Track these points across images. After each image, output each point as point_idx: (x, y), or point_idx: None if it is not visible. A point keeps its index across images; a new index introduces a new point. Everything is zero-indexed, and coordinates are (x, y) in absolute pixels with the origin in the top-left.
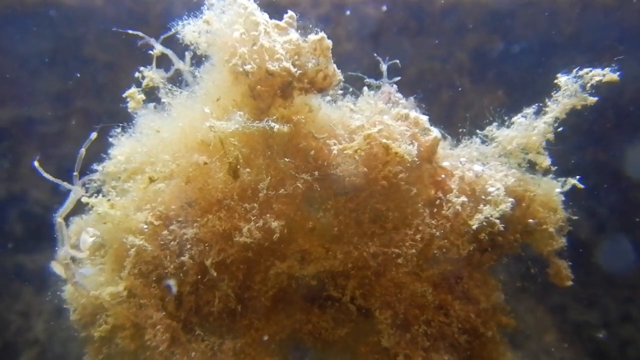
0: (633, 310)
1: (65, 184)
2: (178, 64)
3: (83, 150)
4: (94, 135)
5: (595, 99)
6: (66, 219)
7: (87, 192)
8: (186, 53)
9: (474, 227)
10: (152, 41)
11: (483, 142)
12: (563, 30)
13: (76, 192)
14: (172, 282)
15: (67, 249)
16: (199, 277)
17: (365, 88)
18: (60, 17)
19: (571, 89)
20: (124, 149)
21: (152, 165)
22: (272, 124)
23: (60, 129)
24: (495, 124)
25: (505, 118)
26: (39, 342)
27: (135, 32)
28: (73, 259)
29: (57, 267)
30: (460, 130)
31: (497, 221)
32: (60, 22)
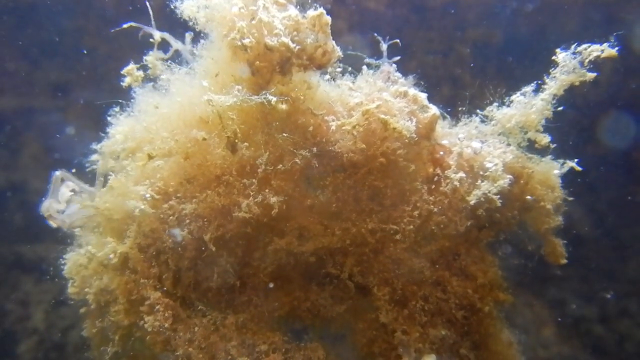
0: (631, 305)
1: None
2: (176, 45)
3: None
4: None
5: (594, 74)
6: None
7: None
8: (187, 34)
9: (472, 202)
10: (152, 30)
11: (482, 121)
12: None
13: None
14: (177, 231)
15: (47, 203)
16: (198, 252)
17: (364, 67)
18: (61, 7)
19: (569, 65)
20: (122, 127)
21: (151, 143)
22: (270, 97)
23: (60, 120)
24: (495, 104)
25: (506, 99)
26: (38, 331)
27: (136, 25)
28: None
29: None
30: (460, 109)
31: (495, 197)
32: (60, 12)
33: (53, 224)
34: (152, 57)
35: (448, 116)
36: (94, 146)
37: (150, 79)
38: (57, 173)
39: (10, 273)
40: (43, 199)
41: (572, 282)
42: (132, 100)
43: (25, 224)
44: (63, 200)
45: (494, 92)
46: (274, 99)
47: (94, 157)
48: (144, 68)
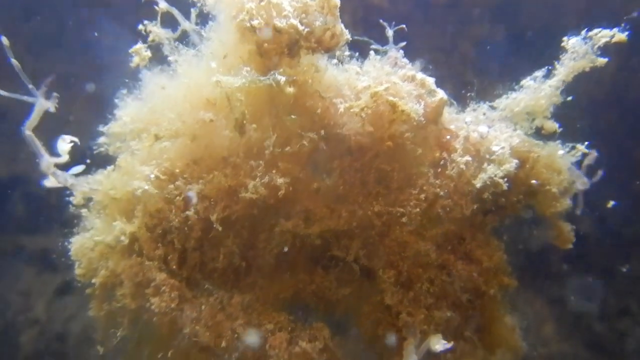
0: (632, 303)
1: (28, 98)
2: (184, 24)
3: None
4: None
5: (605, 59)
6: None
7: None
8: (192, 10)
9: (478, 185)
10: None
11: (491, 108)
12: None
13: (40, 103)
14: (192, 194)
15: (48, 158)
16: (204, 233)
17: (372, 52)
18: None
19: (579, 51)
20: (129, 109)
21: (158, 125)
22: (279, 77)
23: (63, 112)
24: (504, 96)
25: (515, 86)
26: (40, 322)
27: None
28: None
29: (48, 182)
30: (469, 94)
31: (501, 181)
32: (65, 3)
33: (55, 182)
34: (156, 29)
35: (455, 102)
36: (101, 128)
37: (157, 61)
38: (26, 131)
39: (12, 264)
40: (37, 160)
41: (573, 280)
42: (139, 84)
43: (26, 216)
44: (64, 153)
45: (499, 88)
46: (282, 79)
47: (101, 139)
48: (152, 49)
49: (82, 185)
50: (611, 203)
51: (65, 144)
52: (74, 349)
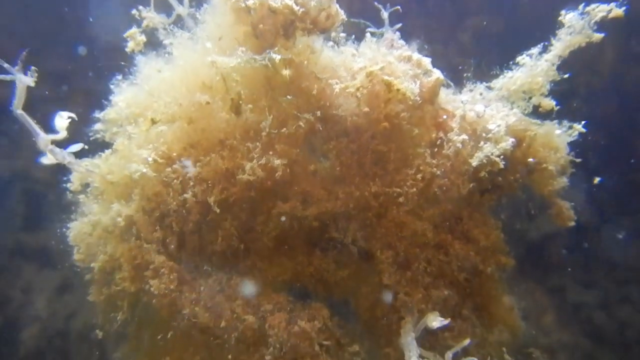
0: (632, 292)
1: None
2: (178, 8)
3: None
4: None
5: (601, 35)
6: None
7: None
8: None
9: (474, 164)
10: None
11: (487, 88)
12: None
13: (20, 80)
14: (188, 163)
15: (44, 135)
16: (202, 216)
17: (368, 34)
18: None
19: (576, 26)
20: (125, 95)
21: (154, 109)
22: (274, 56)
23: (60, 109)
24: (501, 76)
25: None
26: (41, 319)
27: None
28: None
29: (46, 159)
30: (465, 75)
31: (498, 159)
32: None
33: (52, 159)
34: (151, 14)
35: (452, 84)
36: (97, 115)
37: (152, 47)
38: (16, 111)
39: (12, 261)
40: (34, 138)
41: (573, 270)
42: (134, 69)
43: (26, 213)
44: (62, 129)
45: (496, 69)
46: (277, 57)
47: (98, 126)
48: (147, 34)
49: (80, 165)
50: (597, 180)
51: (62, 120)
52: (75, 346)
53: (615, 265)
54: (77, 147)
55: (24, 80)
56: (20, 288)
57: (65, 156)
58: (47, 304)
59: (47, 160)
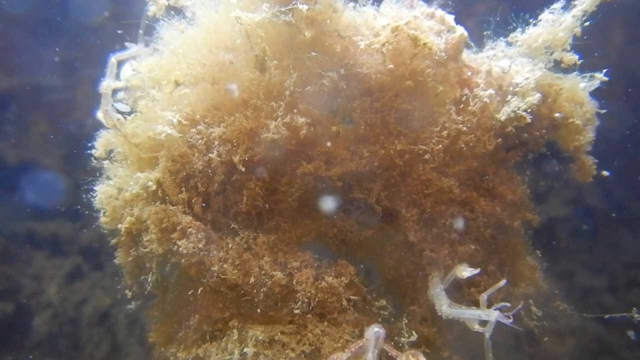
0: None
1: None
2: None
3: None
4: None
5: None
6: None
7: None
8: None
9: (502, 119)
10: None
11: (508, 45)
12: None
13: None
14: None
15: (110, 81)
16: (227, 176)
17: None
18: None
19: None
20: (148, 60)
21: (178, 72)
22: (301, 6)
23: (68, 98)
24: (519, 29)
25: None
26: (52, 305)
27: None
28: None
29: (100, 116)
30: (485, 33)
31: (525, 114)
32: None
33: (101, 113)
34: None
35: (473, 44)
36: (119, 83)
37: (174, 11)
38: (113, 59)
39: (23, 249)
40: (102, 79)
41: (581, 254)
42: (156, 36)
43: (36, 201)
44: (124, 79)
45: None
46: (305, 7)
47: (120, 95)
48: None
49: (115, 115)
50: (606, 173)
51: (130, 69)
52: (86, 332)
53: (623, 249)
54: (126, 108)
55: (141, 50)
56: (31, 276)
57: (112, 115)
58: (58, 291)
59: (100, 116)
